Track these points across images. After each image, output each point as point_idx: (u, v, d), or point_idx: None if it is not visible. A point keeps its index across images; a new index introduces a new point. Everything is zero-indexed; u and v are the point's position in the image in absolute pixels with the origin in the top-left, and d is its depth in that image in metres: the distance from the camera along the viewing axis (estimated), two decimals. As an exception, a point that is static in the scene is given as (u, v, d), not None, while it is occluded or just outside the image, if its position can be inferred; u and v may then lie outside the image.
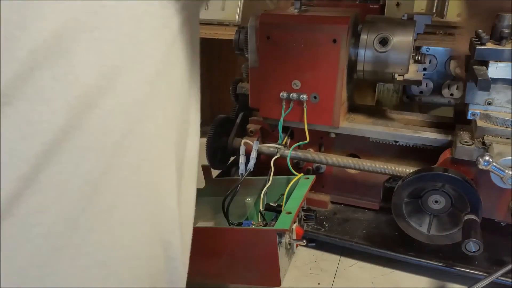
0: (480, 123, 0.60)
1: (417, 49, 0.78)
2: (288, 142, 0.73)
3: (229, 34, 0.97)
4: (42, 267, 0.27)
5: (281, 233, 0.53)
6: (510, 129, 0.57)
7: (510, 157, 0.53)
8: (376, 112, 0.75)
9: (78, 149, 0.26)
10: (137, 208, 0.31)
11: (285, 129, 0.73)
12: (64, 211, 0.27)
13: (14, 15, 0.23)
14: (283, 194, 0.61)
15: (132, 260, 0.32)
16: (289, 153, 0.69)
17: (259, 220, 0.60)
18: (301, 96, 0.66)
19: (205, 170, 0.75)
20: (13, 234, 0.25)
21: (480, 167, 0.53)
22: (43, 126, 0.25)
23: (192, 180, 0.39)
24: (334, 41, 0.63)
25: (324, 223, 0.72)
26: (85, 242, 0.28)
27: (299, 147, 0.73)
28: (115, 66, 0.27)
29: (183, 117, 0.35)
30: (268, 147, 0.72)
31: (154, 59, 0.30)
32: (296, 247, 0.60)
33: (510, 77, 0.57)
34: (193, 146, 0.38)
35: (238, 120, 0.79)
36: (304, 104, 0.67)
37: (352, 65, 0.67)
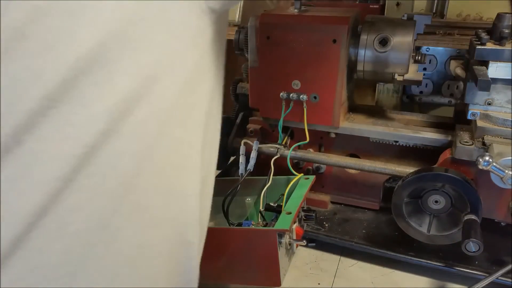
0: (480, 123, 0.60)
1: (417, 49, 0.78)
2: (288, 142, 0.73)
3: (229, 34, 0.97)
4: (75, 264, 0.28)
5: (281, 233, 0.53)
6: (510, 129, 0.57)
7: (510, 157, 0.53)
8: (376, 112, 0.75)
9: (115, 152, 0.28)
10: (162, 209, 0.32)
11: (285, 129, 0.73)
12: (98, 211, 0.28)
13: (64, 23, 0.24)
14: (283, 194, 0.61)
15: (155, 259, 0.33)
16: (289, 153, 0.69)
17: (259, 220, 0.60)
18: (301, 96, 0.66)
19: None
20: (50, 231, 0.26)
21: (480, 167, 0.53)
22: (84, 129, 0.26)
23: (210, 184, 0.39)
24: (334, 41, 0.63)
25: (324, 223, 0.72)
26: (114, 241, 0.29)
27: (299, 147, 0.73)
28: (152, 74, 0.29)
29: (207, 123, 0.36)
30: (268, 147, 0.72)
31: (187, 68, 0.31)
32: (296, 247, 0.60)
33: (510, 77, 0.57)
34: (213, 151, 0.38)
35: (238, 120, 0.79)
36: (304, 104, 0.67)
37: (352, 65, 0.67)
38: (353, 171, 0.74)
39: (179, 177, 0.33)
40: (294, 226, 0.57)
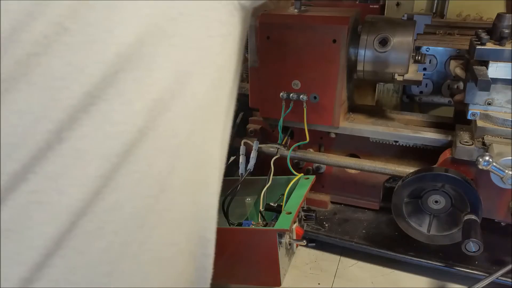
0: (480, 123, 0.60)
1: (417, 49, 0.78)
2: (288, 142, 0.73)
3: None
4: (112, 263, 0.28)
5: (281, 233, 0.53)
6: (510, 129, 0.57)
7: (510, 157, 0.53)
8: (376, 112, 0.75)
9: (151, 150, 0.28)
10: (189, 207, 0.33)
11: (285, 129, 0.73)
12: (135, 209, 0.28)
13: (104, 19, 0.24)
14: (283, 194, 0.61)
15: (179, 257, 0.33)
16: (289, 153, 0.69)
17: (259, 220, 0.60)
18: (301, 96, 0.66)
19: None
20: (90, 230, 0.26)
21: (480, 167, 0.53)
22: (123, 127, 0.26)
23: (221, 182, 0.40)
24: (334, 41, 0.63)
25: (324, 223, 0.72)
26: (148, 239, 0.29)
27: (299, 147, 0.73)
28: (186, 71, 0.28)
29: (225, 121, 0.36)
30: (268, 147, 0.72)
31: (217, 66, 0.31)
32: (296, 247, 0.60)
33: (510, 77, 0.57)
34: (226, 149, 0.39)
35: (238, 120, 0.79)
36: (304, 104, 0.67)
37: (352, 65, 0.67)
38: (353, 171, 0.74)
39: (204, 175, 0.34)
40: (294, 226, 0.57)
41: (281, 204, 0.59)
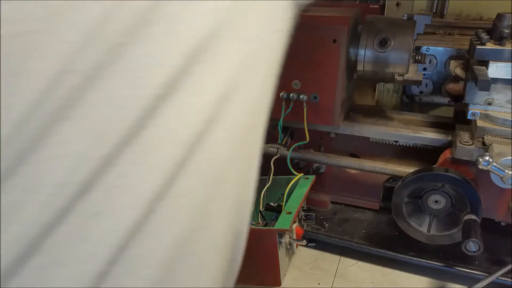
0: (480, 123, 0.60)
1: (417, 49, 0.78)
2: (288, 142, 0.73)
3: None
4: (181, 247, 0.28)
5: (281, 233, 0.53)
6: (510, 129, 0.57)
7: (510, 157, 0.53)
8: (376, 112, 0.75)
9: (217, 141, 0.28)
10: (237, 197, 0.33)
11: (285, 129, 0.73)
12: (201, 197, 0.29)
13: (180, 11, 0.25)
14: (283, 194, 0.61)
15: (221, 247, 0.33)
16: (289, 153, 0.69)
17: (259, 220, 0.60)
18: (301, 96, 0.66)
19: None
20: (164, 214, 0.27)
21: (480, 167, 0.53)
22: (195, 116, 0.27)
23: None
24: (334, 41, 0.63)
25: (324, 223, 0.72)
26: (209, 228, 0.30)
27: (299, 147, 0.73)
28: (248, 64, 0.29)
29: (266, 116, 0.37)
30: (268, 147, 0.72)
31: (271, 59, 0.32)
32: (296, 247, 0.60)
33: (510, 77, 0.57)
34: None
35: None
36: (304, 104, 0.67)
37: (352, 65, 0.67)
38: (353, 171, 0.74)
39: (250, 168, 0.34)
40: (294, 226, 0.57)
41: (281, 204, 0.59)
